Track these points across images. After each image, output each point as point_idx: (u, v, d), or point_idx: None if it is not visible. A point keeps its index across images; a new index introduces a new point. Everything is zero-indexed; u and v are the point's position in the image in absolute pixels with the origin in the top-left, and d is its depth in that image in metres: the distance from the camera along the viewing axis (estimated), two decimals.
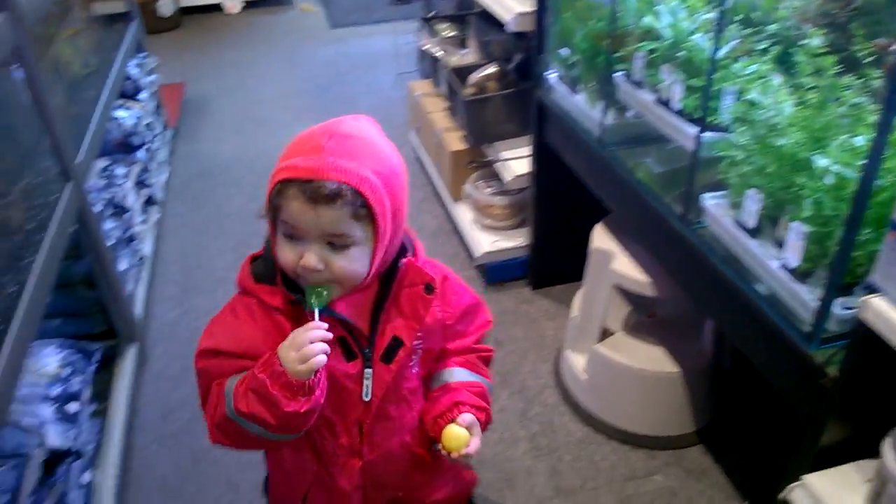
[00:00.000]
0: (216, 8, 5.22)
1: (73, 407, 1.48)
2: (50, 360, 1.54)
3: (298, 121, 3.55)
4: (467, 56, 2.49)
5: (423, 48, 2.63)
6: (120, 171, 2.40)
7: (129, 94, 2.82)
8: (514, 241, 2.29)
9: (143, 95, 2.91)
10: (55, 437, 1.39)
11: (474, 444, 1.00)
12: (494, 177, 2.34)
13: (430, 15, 2.81)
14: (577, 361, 1.82)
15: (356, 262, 0.86)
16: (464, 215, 2.44)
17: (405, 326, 0.97)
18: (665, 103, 1.40)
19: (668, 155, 1.45)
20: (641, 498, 1.62)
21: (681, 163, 1.35)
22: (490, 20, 2.37)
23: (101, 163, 2.39)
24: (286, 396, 0.83)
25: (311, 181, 0.80)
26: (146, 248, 2.47)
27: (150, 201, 2.71)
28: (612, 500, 1.62)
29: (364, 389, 0.97)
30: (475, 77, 2.23)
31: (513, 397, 1.91)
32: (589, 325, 1.74)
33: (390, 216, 0.85)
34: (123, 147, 2.59)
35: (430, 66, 2.77)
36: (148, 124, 2.82)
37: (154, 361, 2.10)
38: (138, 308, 2.18)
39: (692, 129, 1.30)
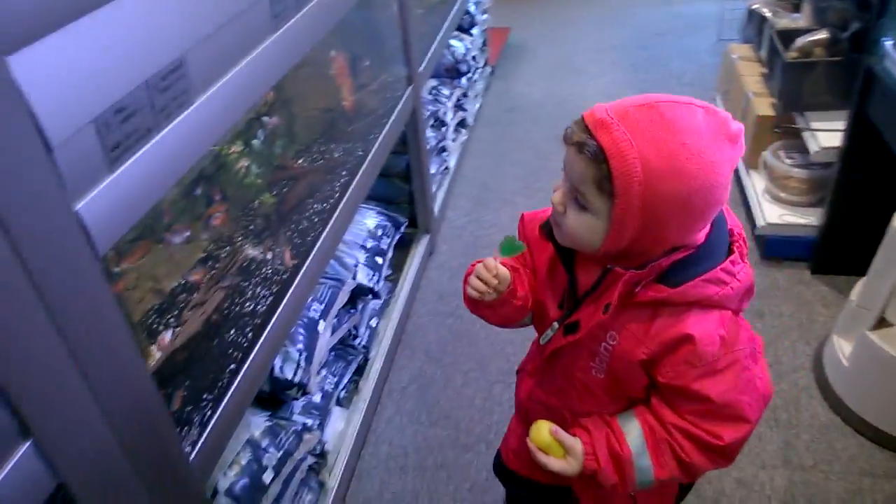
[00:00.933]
0: None
1: (378, 260, 1.84)
2: (370, 219, 1.92)
3: (608, 73, 3.66)
4: (798, 20, 2.37)
5: (752, 7, 2.55)
6: (445, 91, 2.76)
7: (464, 27, 3.18)
8: (803, 219, 2.18)
9: (474, 31, 3.26)
10: (363, 275, 1.75)
11: (553, 463, 0.93)
12: (797, 149, 2.23)
13: None
14: (842, 346, 1.73)
15: (584, 229, 0.83)
16: (755, 184, 2.37)
17: (588, 316, 0.91)
18: None
19: None
20: (872, 496, 1.53)
21: None
22: None
23: (432, 82, 2.77)
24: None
25: (586, 127, 0.80)
26: (451, 161, 2.82)
27: (461, 123, 3.06)
28: (840, 488, 1.55)
29: (543, 335, 1.01)
30: (802, 41, 2.13)
31: None
32: (866, 311, 1.64)
33: (638, 211, 0.78)
34: (451, 72, 2.96)
35: (754, 30, 2.67)
36: (474, 57, 3.17)
37: (439, 254, 2.44)
38: (436, 208, 2.54)
39: None
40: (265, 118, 1.21)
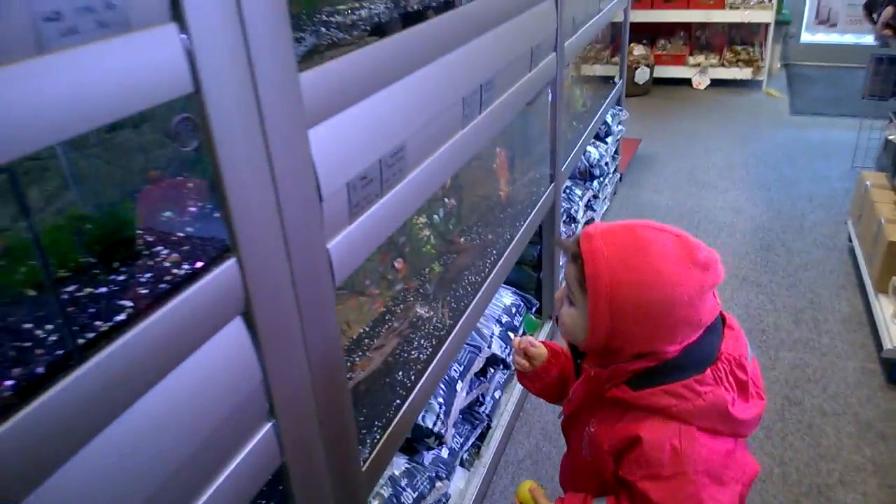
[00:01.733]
0: (686, 82, 5.71)
1: (511, 335, 2.00)
2: (506, 297, 2.10)
3: (735, 189, 3.76)
4: None
5: (889, 137, 2.62)
6: (577, 191, 2.97)
7: (600, 135, 3.42)
8: None
9: (609, 139, 3.48)
10: (496, 346, 1.92)
11: None
12: None
13: None
14: None
15: (571, 321, 0.99)
16: (884, 308, 2.38)
17: (578, 394, 1.08)
18: None
19: None
20: None
21: None
22: None
23: (567, 182, 2.99)
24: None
25: (578, 239, 0.96)
26: None
27: (589, 222, 3.24)
28: None
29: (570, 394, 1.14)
30: None
31: (882, 488, 1.87)
32: None
33: (605, 310, 0.91)
34: (584, 175, 3.18)
35: (889, 159, 2.73)
36: (606, 163, 3.38)
37: (559, 340, 2.57)
38: None
39: None
40: (445, 199, 1.45)
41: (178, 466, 0.72)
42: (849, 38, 5.94)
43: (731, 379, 0.95)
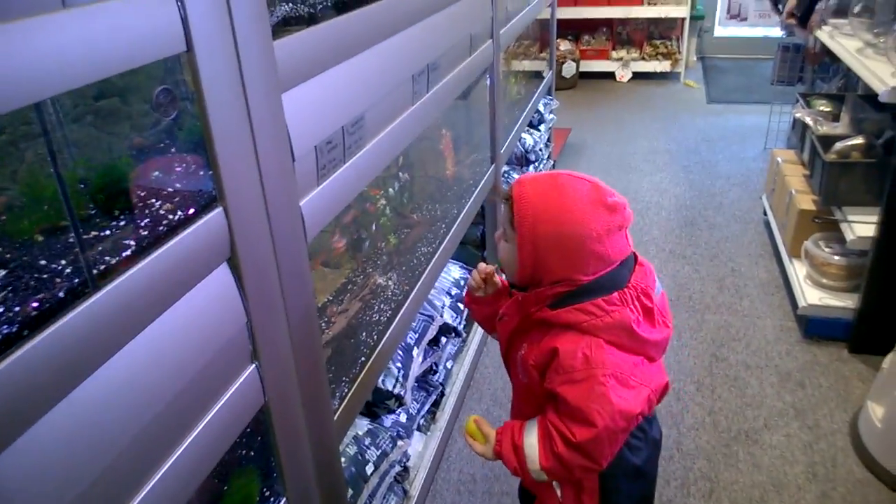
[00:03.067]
0: (610, 75, 5.96)
1: (460, 306, 2.11)
2: (455, 271, 2.21)
3: (659, 172, 3.99)
4: (837, 128, 2.67)
5: (797, 115, 2.86)
6: (515, 175, 3.11)
7: (534, 123, 3.58)
8: (841, 302, 2.39)
9: (542, 127, 3.64)
10: (448, 316, 2.03)
11: (476, 446, 1.22)
12: (835, 239, 2.47)
13: (811, 92, 3.03)
14: (875, 411, 1.90)
15: (507, 254, 1.15)
16: (798, 270, 2.60)
17: (504, 326, 1.24)
18: None
19: None
20: None
21: None
22: (868, 100, 2.54)
23: (505, 167, 3.13)
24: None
25: (511, 185, 1.13)
26: None
27: None
28: None
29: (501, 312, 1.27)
30: (840, 145, 2.42)
31: (802, 429, 2.06)
32: None
33: (529, 243, 1.08)
34: (520, 160, 3.32)
35: (797, 136, 2.98)
36: (540, 149, 3.53)
37: None
38: None
39: None
40: (399, 174, 1.54)
41: (171, 401, 0.79)
42: (758, 31, 6.33)
43: (636, 303, 1.10)
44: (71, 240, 0.72)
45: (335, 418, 1.24)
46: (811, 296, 2.45)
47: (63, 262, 0.69)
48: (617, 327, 1.08)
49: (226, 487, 1.03)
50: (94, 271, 0.69)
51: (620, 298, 1.09)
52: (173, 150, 0.86)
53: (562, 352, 1.08)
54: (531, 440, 1.14)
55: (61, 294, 0.65)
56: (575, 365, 1.07)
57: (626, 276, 1.11)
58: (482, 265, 1.31)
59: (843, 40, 2.60)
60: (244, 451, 1.06)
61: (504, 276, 1.30)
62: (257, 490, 1.07)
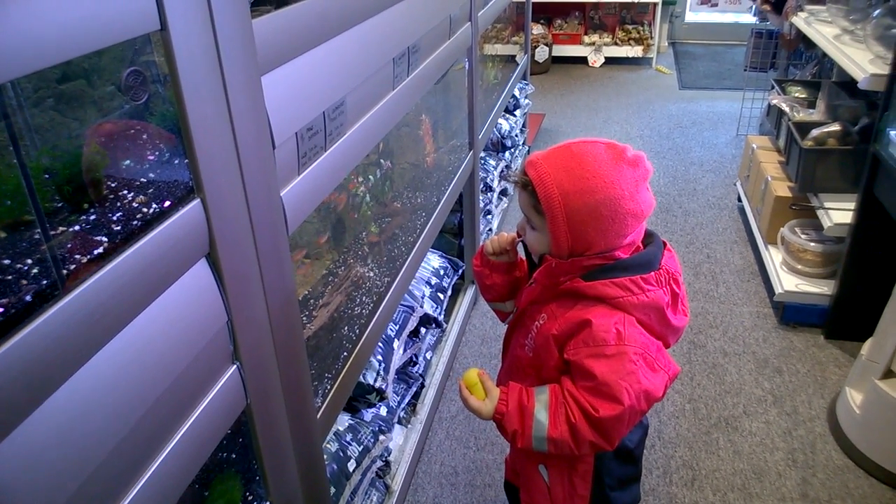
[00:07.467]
0: (582, 60, 5.94)
1: (440, 296, 2.07)
2: (435, 260, 2.17)
3: None
4: (813, 115, 2.68)
5: (772, 102, 2.87)
6: (492, 161, 3.07)
7: (510, 109, 3.53)
8: (818, 289, 2.40)
9: (517, 113, 3.60)
10: (428, 306, 1.98)
11: (471, 400, 1.13)
12: (811, 226, 2.48)
13: (785, 78, 3.03)
14: (853, 396, 1.92)
15: (537, 243, 1.11)
16: (773, 257, 2.61)
17: (528, 293, 1.18)
18: None
19: None
20: None
21: None
22: (843, 87, 2.55)
23: (482, 153, 3.08)
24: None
25: (524, 170, 1.07)
26: (494, 223, 3.10)
27: (503, 192, 3.36)
28: None
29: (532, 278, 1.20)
30: (817, 132, 2.42)
31: (781, 416, 2.07)
32: (875, 364, 1.84)
33: (563, 223, 1.03)
34: (497, 146, 3.28)
35: (772, 123, 2.99)
36: (516, 135, 3.49)
37: (481, 304, 2.67)
38: None
39: None
40: (381, 161, 1.48)
41: (151, 407, 0.74)
42: (729, 17, 6.36)
43: (668, 287, 1.08)
44: (37, 236, 0.66)
45: (318, 416, 1.19)
46: (787, 282, 2.46)
47: (29, 261, 0.63)
48: (651, 307, 1.06)
49: (206, 493, 0.98)
50: (64, 271, 0.63)
51: (657, 279, 1.07)
52: (145, 136, 0.80)
53: (595, 324, 1.04)
54: (541, 406, 1.09)
55: (28, 297, 0.59)
56: (608, 339, 1.03)
57: (658, 256, 1.09)
58: (504, 234, 1.24)
59: (820, 27, 2.60)
60: (225, 455, 1.01)
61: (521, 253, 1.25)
62: (240, 495, 1.02)
